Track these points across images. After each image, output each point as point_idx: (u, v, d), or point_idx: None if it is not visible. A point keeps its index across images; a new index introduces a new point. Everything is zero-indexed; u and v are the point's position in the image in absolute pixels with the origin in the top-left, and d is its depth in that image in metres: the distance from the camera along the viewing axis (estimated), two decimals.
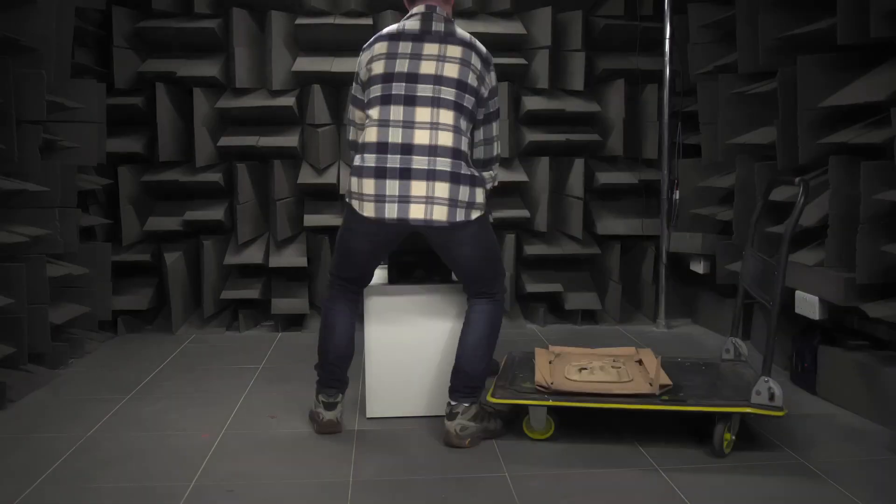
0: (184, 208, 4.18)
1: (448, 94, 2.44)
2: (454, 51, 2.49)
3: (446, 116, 2.43)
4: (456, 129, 2.44)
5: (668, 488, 2.25)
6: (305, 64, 4.14)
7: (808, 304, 3.01)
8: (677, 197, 4.16)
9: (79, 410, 2.93)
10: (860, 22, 2.78)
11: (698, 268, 4.16)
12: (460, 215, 2.44)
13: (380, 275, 3.03)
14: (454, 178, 2.41)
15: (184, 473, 2.37)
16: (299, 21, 4.11)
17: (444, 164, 2.41)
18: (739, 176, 3.64)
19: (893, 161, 2.63)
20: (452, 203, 2.42)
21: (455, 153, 2.42)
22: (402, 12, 4.20)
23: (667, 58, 4.12)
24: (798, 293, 3.06)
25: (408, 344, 2.82)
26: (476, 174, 2.49)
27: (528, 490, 2.25)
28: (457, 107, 2.45)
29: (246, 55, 4.16)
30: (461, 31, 2.58)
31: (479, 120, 2.59)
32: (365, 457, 2.50)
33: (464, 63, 2.48)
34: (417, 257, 2.86)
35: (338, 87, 4.26)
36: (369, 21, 4.16)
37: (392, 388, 2.83)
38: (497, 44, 4.21)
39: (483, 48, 2.57)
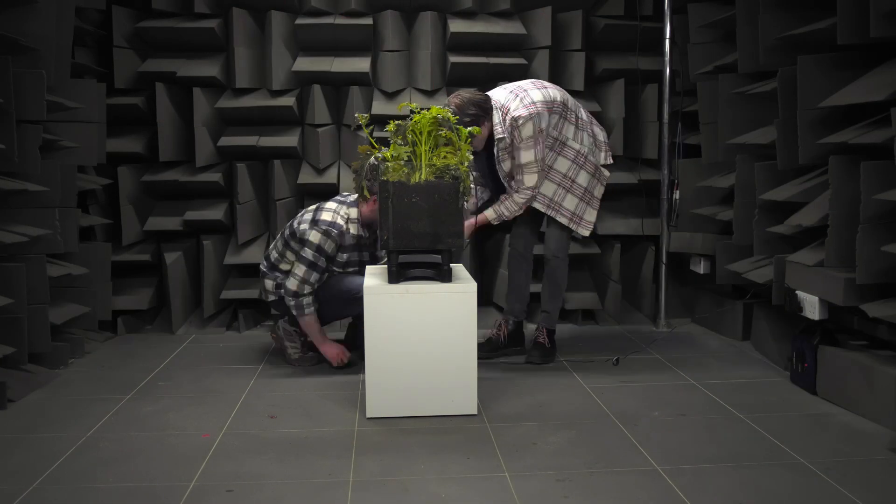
0: (184, 208, 4.19)
1: None
2: None
3: None
4: None
5: (668, 488, 2.25)
6: (305, 64, 4.14)
7: (808, 304, 3.01)
8: (677, 197, 4.16)
9: (79, 410, 2.93)
10: (860, 22, 2.78)
11: (698, 268, 4.16)
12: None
13: (380, 275, 3.03)
14: None
15: (184, 473, 2.37)
16: (299, 21, 4.11)
17: None
18: (739, 176, 3.64)
19: (893, 161, 2.63)
20: None
21: None
22: (402, 12, 4.25)
23: (667, 58, 4.12)
24: (798, 293, 3.06)
25: (408, 344, 2.82)
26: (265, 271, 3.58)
27: (528, 490, 2.25)
28: None
29: (246, 55, 4.16)
30: None
31: None
32: (365, 457, 2.50)
33: None
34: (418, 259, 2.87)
35: (338, 87, 4.26)
36: (369, 21, 4.16)
37: (392, 388, 2.83)
38: (497, 44, 4.22)
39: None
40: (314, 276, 3.34)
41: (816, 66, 3.06)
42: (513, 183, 3.41)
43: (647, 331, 4.18)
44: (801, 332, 3.13)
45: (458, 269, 3.11)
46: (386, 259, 3.07)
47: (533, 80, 3.51)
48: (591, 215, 3.50)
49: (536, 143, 3.29)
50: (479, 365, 2.89)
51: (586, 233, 3.54)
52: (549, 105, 3.33)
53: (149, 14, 4.13)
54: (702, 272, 4.14)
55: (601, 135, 3.57)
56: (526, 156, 3.30)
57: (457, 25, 4.16)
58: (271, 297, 3.52)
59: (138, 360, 3.62)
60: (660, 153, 4.24)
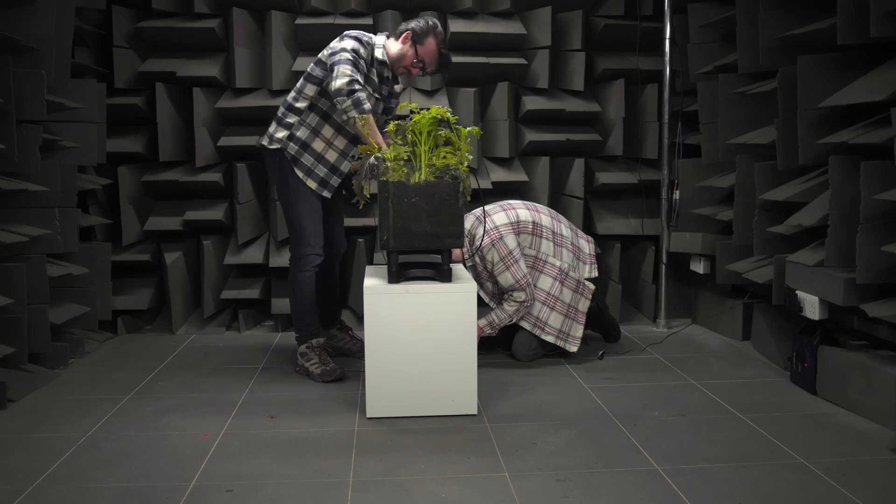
0: (184, 208, 4.19)
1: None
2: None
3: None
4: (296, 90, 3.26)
5: (669, 488, 2.25)
6: (305, 64, 4.11)
7: (808, 304, 3.01)
8: (677, 197, 4.16)
9: (79, 410, 2.93)
10: (860, 22, 2.78)
11: (698, 268, 4.16)
12: (265, 140, 3.28)
13: (380, 275, 3.03)
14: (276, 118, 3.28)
15: (184, 473, 2.37)
16: (299, 21, 4.11)
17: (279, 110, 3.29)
18: (739, 176, 3.64)
19: (893, 161, 2.63)
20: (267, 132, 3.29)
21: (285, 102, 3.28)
22: (402, 12, 4.25)
23: (667, 58, 4.12)
24: (798, 293, 3.06)
25: (408, 344, 2.82)
26: (280, 115, 3.24)
27: (528, 490, 2.25)
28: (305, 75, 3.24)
29: (246, 55, 4.16)
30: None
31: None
32: (365, 457, 2.50)
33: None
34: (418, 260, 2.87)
35: None
36: (369, 21, 4.16)
37: (392, 388, 2.83)
38: (497, 44, 4.23)
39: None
40: (359, 75, 2.98)
41: (816, 66, 3.06)
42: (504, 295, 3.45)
43: (647, 331, 4.18)
44: (801, 332, 3.13)
45: (458, 269, 3.11)
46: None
47: (505, 201, 3.55)
48: (577, 331, 3.52)
49: (511, 264, 3.35)
50: (479, 365, 2.89)
51: (574, 349, 3.51)
52: (514, 226, 3.40)
53: (149, 14, 4.13)
54: (702, 272, 4.14)
55: (587, 247, 3.63)
56: (505, 278, 3.37)
57: (457, 25, 4.16)
58: (274, 145, 3.21)
59: (138, 360, 3.62)
60: (660, 153, 4.24)
